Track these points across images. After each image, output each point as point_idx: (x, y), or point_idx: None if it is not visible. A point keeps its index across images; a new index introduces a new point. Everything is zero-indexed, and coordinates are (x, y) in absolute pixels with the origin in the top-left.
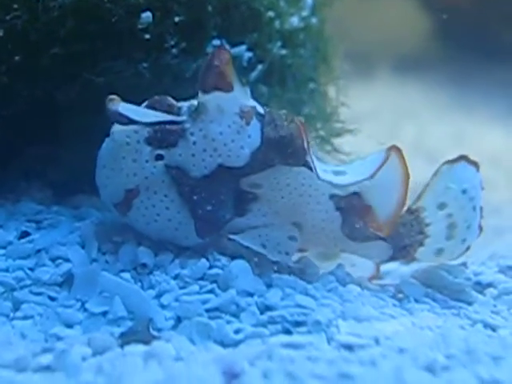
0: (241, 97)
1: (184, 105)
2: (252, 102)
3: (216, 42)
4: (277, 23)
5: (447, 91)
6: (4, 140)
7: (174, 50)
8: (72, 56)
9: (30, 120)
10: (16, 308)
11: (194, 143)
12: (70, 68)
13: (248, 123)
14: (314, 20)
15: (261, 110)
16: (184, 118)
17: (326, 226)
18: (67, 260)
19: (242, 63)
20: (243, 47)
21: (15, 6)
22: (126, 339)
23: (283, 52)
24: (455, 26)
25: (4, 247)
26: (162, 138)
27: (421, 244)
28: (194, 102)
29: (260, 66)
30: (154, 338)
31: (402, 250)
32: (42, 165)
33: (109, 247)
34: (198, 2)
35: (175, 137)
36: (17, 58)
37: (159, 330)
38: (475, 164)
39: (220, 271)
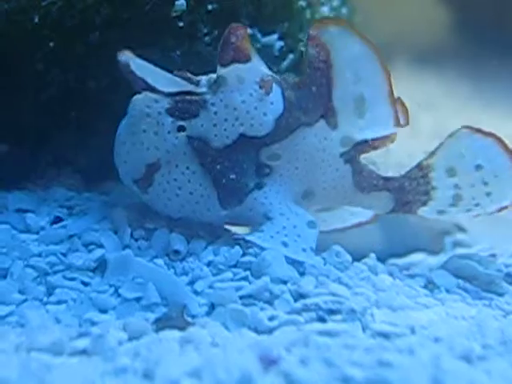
0: (259, 66)
1: (203, 78)
2: (269, 72)
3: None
4: (308, 12)
5: (466, 84)
6: (35, 126)
7: (207, 38)
8: (105, 43)
9: (61, 106)
10: (50, 293)
11: (216, 113)
12: (103, 55)
13: (268, 93)
14: (344, 10)
15: (278, 77)
16: (204, 89)
17: (338, 183)
18: (100, 246)
19: (274, 52)
20: (274, 36)
21: None
22: (160, 325)
23: None
24: (474, 19)
25: (37, 232)
26: (184, 108)
27: (424, 204)
28: (213, 76)
29: (291, 56)
30: (189, 324)
31: (404, 205)
32: (72, 151)
33: (141, 233)
34: None
35: (196, 107)
36: (51, 44)
37: (193, 316)
38: (502, 143)
39: (253, 259)
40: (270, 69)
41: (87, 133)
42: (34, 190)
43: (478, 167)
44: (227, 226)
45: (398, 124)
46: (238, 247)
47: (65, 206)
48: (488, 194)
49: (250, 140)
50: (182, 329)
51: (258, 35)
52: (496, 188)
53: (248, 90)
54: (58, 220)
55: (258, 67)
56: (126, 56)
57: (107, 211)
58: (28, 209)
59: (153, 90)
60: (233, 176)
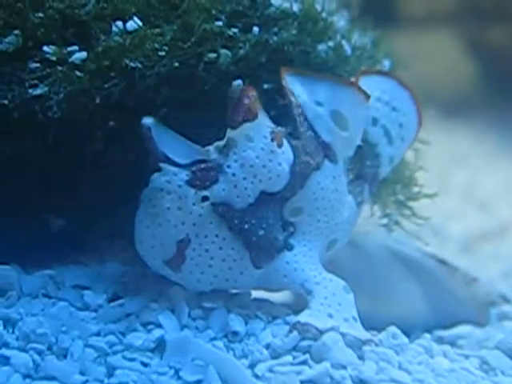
0: (265, 120)
1: (209, 147)
2: (272, 124)
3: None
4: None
5: (495, 136)
6: (91, 201)
7: None
8: (165, 123)
9: (119, 183)
10: (110, 374)
11: (234, 175)
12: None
13: (280, 145)
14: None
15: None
16: (214, 156)
17: (350, 217)
18: (158, 325)
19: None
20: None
21: (112, 73)
22: None
23: None
24: (502, 71)
25: (95, 310)
26: (203, 176)
27: (379, 166)
28: (219, 143)
29: None
30: None
31: (372, 182)
32: (125, 225)
33: (198, 313)
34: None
35: (215, 173)
36: (111, 123)
37: None
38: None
39: (312, 342)
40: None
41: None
42: (88, 265)
43: (379, 99)
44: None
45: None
46: (296, 332)
47: (120, 282)
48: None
49: (271, 196)
50: None
51: None
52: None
53: (258, 145)
54: (115, 297)
55: (263, 122)
56: (149, 121)
57: (163, 288)
58: (85, 285)
59: (171, 162)
60: (262, 232)
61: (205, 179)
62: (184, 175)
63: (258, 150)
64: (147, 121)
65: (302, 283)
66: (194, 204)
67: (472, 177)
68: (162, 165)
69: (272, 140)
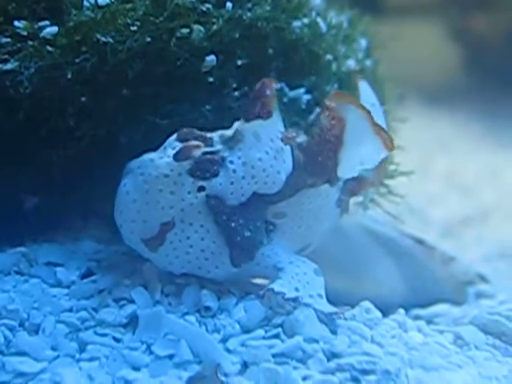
0: (278, 122)
1: (214, 135)
2: (283, 128)
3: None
4: (334, 66)
5: (478, 124)
6: (65, 178)
7: (236, 93)
8: (137, 98)
9: (92, 160)
10: (82, 349)
11: (234, 171)
12: (134, 110)
13: (287, 144)
14: (368, 62)
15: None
16: (219, 147)
17: (330, 226)
18: (131, 301)
19: (301, 105)
20: (302, 90)
21: (84, 48)
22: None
23: None
24: (485, 59)
25: (67, 287)
26: (206, 168)
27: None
28: (225, 132)
29: (318, 109)
30: (223, 383)
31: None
32: (99, 203)
33: (171, 289)
34: (259, 46)
35: (217, 166)
36: (83, 99)
37: (226, 375)
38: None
39: (284, 317)
40: (296, 123)
41: (115, 186)
42: (63, 243)
43: None
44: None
45: (388, 147)
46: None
47: (94, 260)
48: None
49: (260, 198)
50: None
51: (286, 89)
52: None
53: (264, 147)
54: (88, 274)
55: (274, 124)
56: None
57: (136, 265)
58: (58, 262)
59: None
60: (247, 234)
61: (206, 171)
62: (187, 164)
63: (262, 152)
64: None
65: (274, 264)
66: (189, 192)
67: (454, 163)
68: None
69: (282, 140)
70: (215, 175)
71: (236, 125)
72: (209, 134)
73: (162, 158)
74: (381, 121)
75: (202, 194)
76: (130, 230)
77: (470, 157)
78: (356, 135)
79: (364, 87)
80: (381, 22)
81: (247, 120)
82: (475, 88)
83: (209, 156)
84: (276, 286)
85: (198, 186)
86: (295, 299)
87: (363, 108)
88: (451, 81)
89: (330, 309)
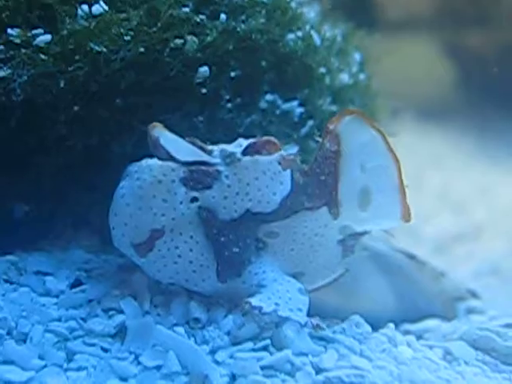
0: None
1: (214, 148)
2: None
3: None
4: (327, 79)
5: (471, 140)
6: (55, 187)
7: (229, 105)
8: (130, 108)
9: (83, 169)
10: (69, 359)
11: (229, 186)
12: (127, 120)
13: (285, 169)
14: (361, 76)
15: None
16: (218, 160)
17: (329, 263)
18: (119, 311)
19: (293, 118)
20: (295, 102)
21: (77, 57)
22: None
23: (333, 108)
24: (479, 75)
25: (56, 296)
26: (199, 179)
27: None
28: (226, 147)
29: (310, 122)
30: None
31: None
32: (90, 212)
33: (160, 300)
34: (253, 58)
35: (211, 179)
36: (76, 108)
37: None
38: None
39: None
40: (289, 135)
41: (106, 195)
42: (52, 252)
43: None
44: None
45: (405, 218)
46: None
47: (83, 269)
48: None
49: (253, 216)
50: None
51: (279, 101)
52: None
53: (261, 167)
54: (77, 283)
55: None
56: (158, 131)
57: (126, 275)
58: (47, 271)
59: (172, 159)
60: (236, 250)
61: (198, 182)
62: (181, 172)
63: (259, 171)
64: (155, 132)
65: (259, 282)
66: (181, 202)
67: (447, 179)
68: (162, 162)
69: (279, 163)
70: (208, 187)
71: (237, 142)
72: (210, 147)
73: (158, 162)
74: None
75: (195, 204)
76: (122, 233)
77: (462, 173)
78: (354, 144)
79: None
80: (375, 37)
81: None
82: (469, 104)
83: (204, 167)
84: (254, 300)
85: (192, 196)
86: (271, 313)
87: (378, 129)
88: (445, 97)
89: (305, 319)
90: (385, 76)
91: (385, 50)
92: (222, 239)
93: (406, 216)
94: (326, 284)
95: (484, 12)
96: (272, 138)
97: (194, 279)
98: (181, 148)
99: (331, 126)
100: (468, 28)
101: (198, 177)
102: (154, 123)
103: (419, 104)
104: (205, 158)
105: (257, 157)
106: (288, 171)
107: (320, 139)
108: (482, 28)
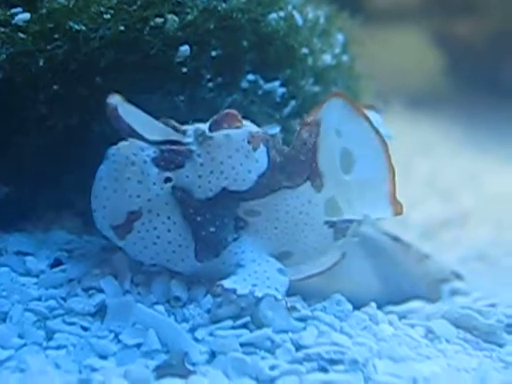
0: (248, 126)
1: (188, 128)
2: (258, 128)
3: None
4: (310, 60)
5: (460, 128)
6: (36, 168)
7: (210, 84)
8: (110, 87)
9: (63, 149)
10: (49, 337)
11: (202, 165)
12: (107, 99)
13: (255, 148)
14: (344, 57)
15: (267, 134)
16: (190, 139)
17: (319, 244)
18: (100, 290)
19: (276, 98)
20: (277, 83)
21: (56, 35)
22: (161, 372)
23: (315, 89)
24: (468, 63)
25: (36, 276)
26: (170, 158)
27: None
28: (200, 126)
29: (293, 102)
30: (190, 372)
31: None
32: (72, 194)
33: (141, 279)
34: (234, 37)
35: (183, 158)
36: (55, 87)
37: (194, 364)
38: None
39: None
40: (271, 116)
41: (88, 176)
42: (34, 232)
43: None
44: None
45: (396, 210)
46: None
47: (64, 250)
48: None
49: (230, 194)
50: (183, 377)
51: (261, 81)
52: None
53: (235, 145)
54: (57, 263)
55: (246, 127)
56: (116, 99)
57: (107, 255)
58: (28, 251)
59: (139, 137)
60: (212, 229)
61: (170, 161)
62: (151, 152)
63: (232, 149)
64: (113, 100)
65: (237, 261)
66: (154, 183)
67: (435, 166)
68: (129, 139)
69: (248, 142)
70: (180, 166)
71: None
72: (184, 127)
73: (125, 142)
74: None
75: (169, 185)
76: (102, 216)
77: (450, 161)
78: (331, 118)
79: (374, 117)
80: (365, 26)
81: (211, 131)
82: (458, 92)
83: (174, 147)
84: (226, 283)
85: (165, 177)
86: (248, 295)
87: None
88: (434, 85)
89: (281, 296)
90: (376, 65)
91: (372, 39)
92: (199, 219)
93: (398, 211)
94: (323, 271)
95: (472, 1)
96: (232, 111)
97: (174, 259)
98: (145, 124)
99: (308, 120)
100: (456, 16)
101: (169, 156)
102: (113, 94)
103: (408, 92)
104: (175, 136)
105: (228, 132)
106: (263, 149)
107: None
108: (471, 16)
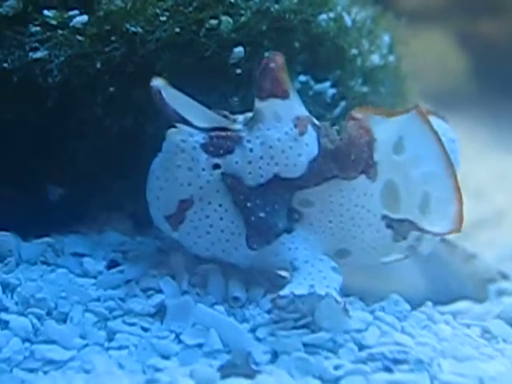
0: (296, 105)
1: (239, 117)
2: (306, 112)
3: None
4: (359, 61)
5: (486, 128)
6: (90, 170)
7: None
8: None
9: (118, 151)
10: (110, 338)
11: (251, 150)
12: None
13: (302, 132)
14: (391, 58)
15: (316, 121)
16: (239, 126)
17: (378, 244)
18: (158, 291)
19: (326, 99)
20: (327, 83)
21: (113, 38)
22: (226, 372)
23: (364, 89)
24: (493, 64)
25: (94, 277)
26: (219, 144)
27: None
28: (249, 115)
29: (343, 103)
30: (255, 371)
31: None
32: (123, 196)
33: (197, 280)
34: (286, 38)
35: (232, 143)
36: (112, 89)
37: (257, 364)
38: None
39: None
40: (322, 116)
41: (140, 178)
42: (87, 234)
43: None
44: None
45: (457, 227)
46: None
47: (119, 251)
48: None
49: (283, 182)
50: (249, 376)
51: (312, 82)
52: None
53: (284, 128)
54: (114, 264)
55: (294, 105)
56: (159, 83)
57: (162, 256)
58: (84, 253)
59: (186, 122)
60: (262, 215)
61: (219, 147)
62: (200, 138)
63: (282, 132)
64: (157, 83)
65: (291, 261)
66: (203, 169)
67: (465, 167)
68: (177, 124)
69: (295, 126)
70: (229, 152)
71: (255, 103)
72: (234, 116)
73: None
74: (456, 160)
75: (218, 171)
76: (156, 208)
77: (478, 161)
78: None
79: (439, 124)
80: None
81: (261, 98)
82: (483, 93)
83: (223, 133)
84: (283, 292)
85: (213, 163)
86: (308, 296)
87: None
88: (459, 85)
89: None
90: (413, 58)
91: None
92: (249, 204)
93: (458, 224)
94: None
95: (497, 1)
96: (276, 53)
97: (229, 249)
98: (191, 109)
99: (356, 114)
100: (481, 17)
101: (218, 142)
102: (156, 77)
103: (433, 93)
104: (224, 123)
105: (276, 111)
106: (313, 133)
107: None
108: (496, 16)
